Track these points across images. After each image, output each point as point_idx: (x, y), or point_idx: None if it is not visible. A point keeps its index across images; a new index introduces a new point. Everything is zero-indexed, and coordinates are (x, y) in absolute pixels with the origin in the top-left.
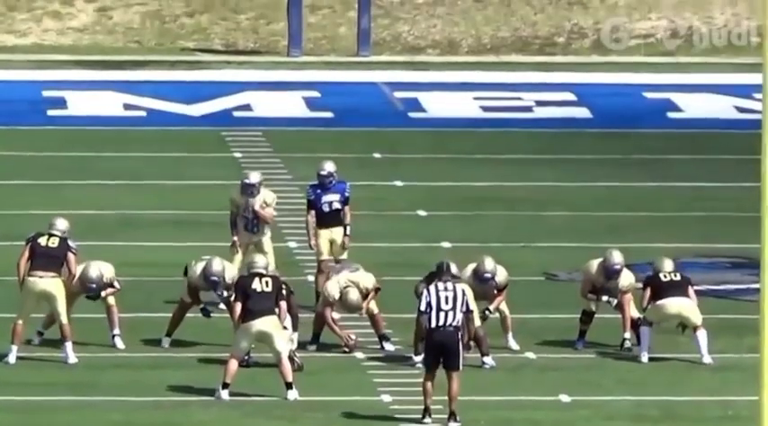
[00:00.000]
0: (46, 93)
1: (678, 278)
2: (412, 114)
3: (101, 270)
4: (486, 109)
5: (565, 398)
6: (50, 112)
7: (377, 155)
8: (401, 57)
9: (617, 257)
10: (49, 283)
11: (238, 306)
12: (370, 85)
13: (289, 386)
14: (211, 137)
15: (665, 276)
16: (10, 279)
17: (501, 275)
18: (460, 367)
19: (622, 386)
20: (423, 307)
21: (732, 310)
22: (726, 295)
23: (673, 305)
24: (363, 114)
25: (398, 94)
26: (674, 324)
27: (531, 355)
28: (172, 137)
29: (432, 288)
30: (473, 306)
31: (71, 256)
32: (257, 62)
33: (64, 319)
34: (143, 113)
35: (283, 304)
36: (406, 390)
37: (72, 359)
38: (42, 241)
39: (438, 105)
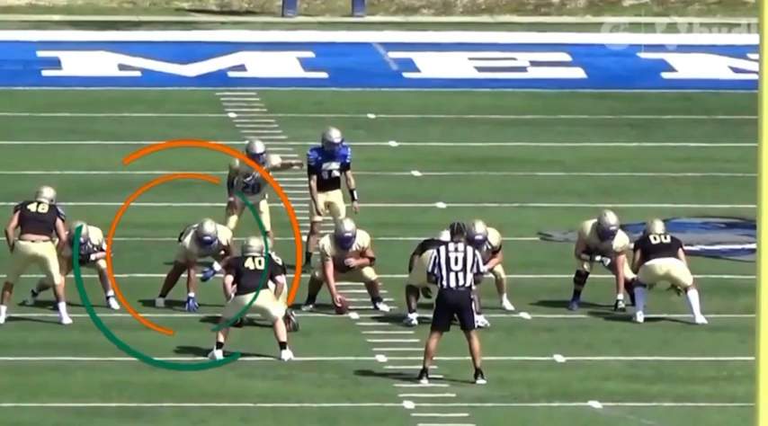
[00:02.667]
0: (40, 54)
1: (668, 240)
2: (406, 74)
3: (87, 229)
4: (480, 69)
5: (559, 358)
6: (45, 73)
7: (371, 116)
8: (396, 17)
9: (611, 219)
10: (40, 247)
11: (229, 280)
12: (364, 45)
13: (282, 346)
14: (206, 97)
15: (655, 238)
16: (3, 239)
17: (493, 237)
18: (476, 324)
19: (616, 346)
20: (430, 268)
21: (726, 270)
22: (720, 255)
23: (662, 265)
24: (358, 74)
25: (393, 55)
26: (666, 286)
27: (525, 315)
28: (166, 97)
29: (442, 249)
30: (483, 268)
31: (60, 222)
32: (252, 22)
33: (57, 280)
34: (138, 73)
35: (280, 278)
36: (400, 350)
37: (66, 319)
38: (32, 207)
39: (432, 65)
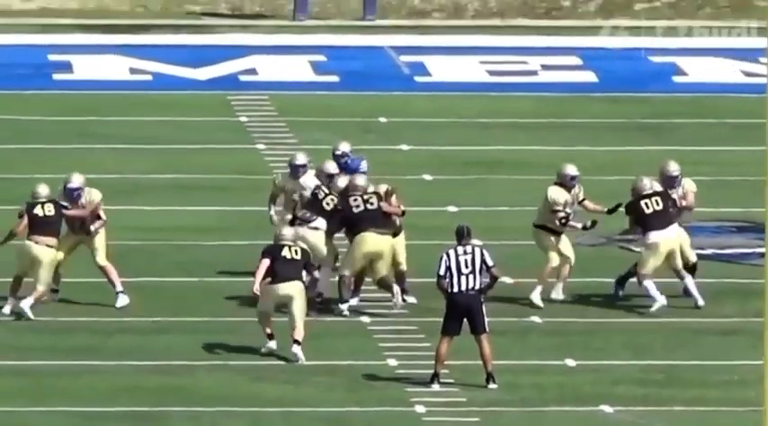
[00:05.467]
0: (51, 57)
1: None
2: (418, 78)
3: (83, 180)
4: (491, 73)
5: (570, 362)
6: (56, 76)
7: (382, 120)
8: (407, 20)
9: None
10: (41, 250)
11: (265, 263)
12: (375, 49)
13: (297, 342)
14: (217, 100)
15: (648, 206)
16: (10, 242)
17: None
18: (487, 328)
19: (627, 350)
20: (442, 272)
21: (738, 274)
22: (731, 259)
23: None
24: (369, 78)
25: (404, 58)
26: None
27: (536, 319)
28: (178, 100)
29: (451, 251)
30: (491, 261)
31: (67, 214)
32: (263, 26)
33: (42, 287)
34: (149, 77)
35: (315, 273)
36: (411, 354)
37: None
38: (38, 211)
39: (444, 69)
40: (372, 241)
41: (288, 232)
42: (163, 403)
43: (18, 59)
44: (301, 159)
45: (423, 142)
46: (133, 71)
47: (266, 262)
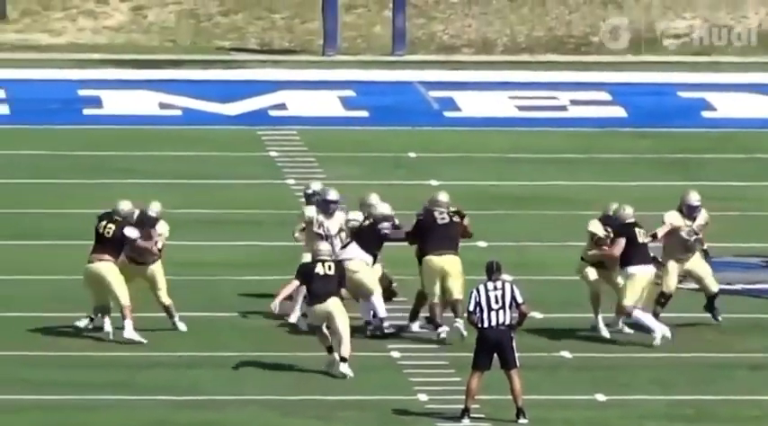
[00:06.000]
0: (81, 92)
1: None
2: (447, 113)
3: (160, 209)
4: (521, 108)
5: (600, 397)
6: (86, 111)
7: (412, 155)
8: (436, 56)
9: (694, 195)
10: (96, 267)
11: (293, 285)
12: (405, 85)
13: (343, 360)
14: (247, 136)
15: (640, 235)
16: (37, 278)
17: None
18: (517, 363)
19: (656, 385)
20: (471, 307)
21: (765, 309)
22: (760, 294)
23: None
24: (398, 113)
25: (434, 94)
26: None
27: (566, 354)
28: (207, 136)
29: (481, 287)
30: (521, 298)
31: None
32: (292, 61)
33: (124, 301)
34: (178, 112)
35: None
36: (442, 389)
37: (131, 335)
38: (100, 227)
39: (473, 104)
40: (437, 260)
41: (324, 247)
42: None
43: (48, 94)
44: (333, 195)
45: (452, 177)
46: (163, 106)
47: (295, 283)
